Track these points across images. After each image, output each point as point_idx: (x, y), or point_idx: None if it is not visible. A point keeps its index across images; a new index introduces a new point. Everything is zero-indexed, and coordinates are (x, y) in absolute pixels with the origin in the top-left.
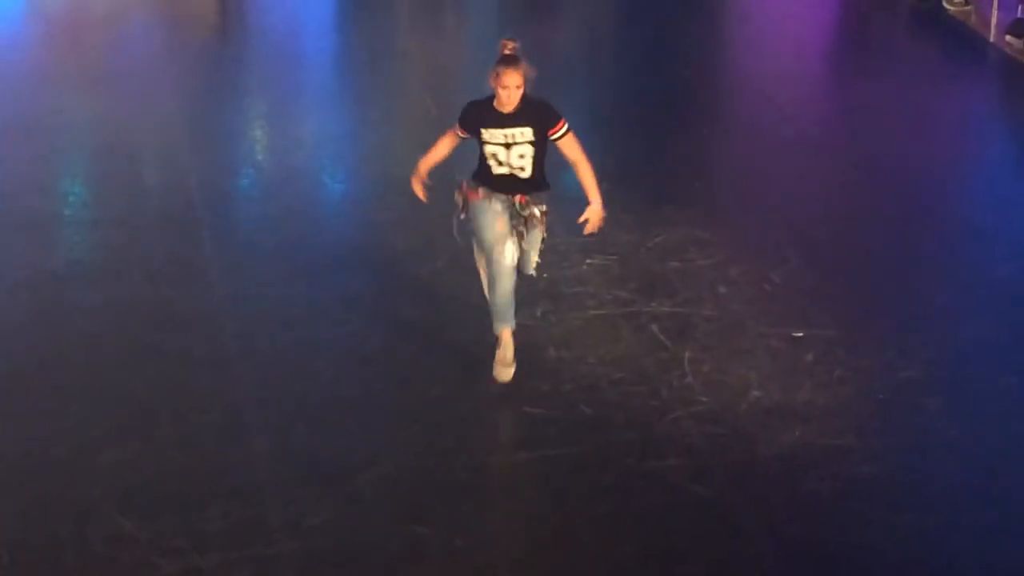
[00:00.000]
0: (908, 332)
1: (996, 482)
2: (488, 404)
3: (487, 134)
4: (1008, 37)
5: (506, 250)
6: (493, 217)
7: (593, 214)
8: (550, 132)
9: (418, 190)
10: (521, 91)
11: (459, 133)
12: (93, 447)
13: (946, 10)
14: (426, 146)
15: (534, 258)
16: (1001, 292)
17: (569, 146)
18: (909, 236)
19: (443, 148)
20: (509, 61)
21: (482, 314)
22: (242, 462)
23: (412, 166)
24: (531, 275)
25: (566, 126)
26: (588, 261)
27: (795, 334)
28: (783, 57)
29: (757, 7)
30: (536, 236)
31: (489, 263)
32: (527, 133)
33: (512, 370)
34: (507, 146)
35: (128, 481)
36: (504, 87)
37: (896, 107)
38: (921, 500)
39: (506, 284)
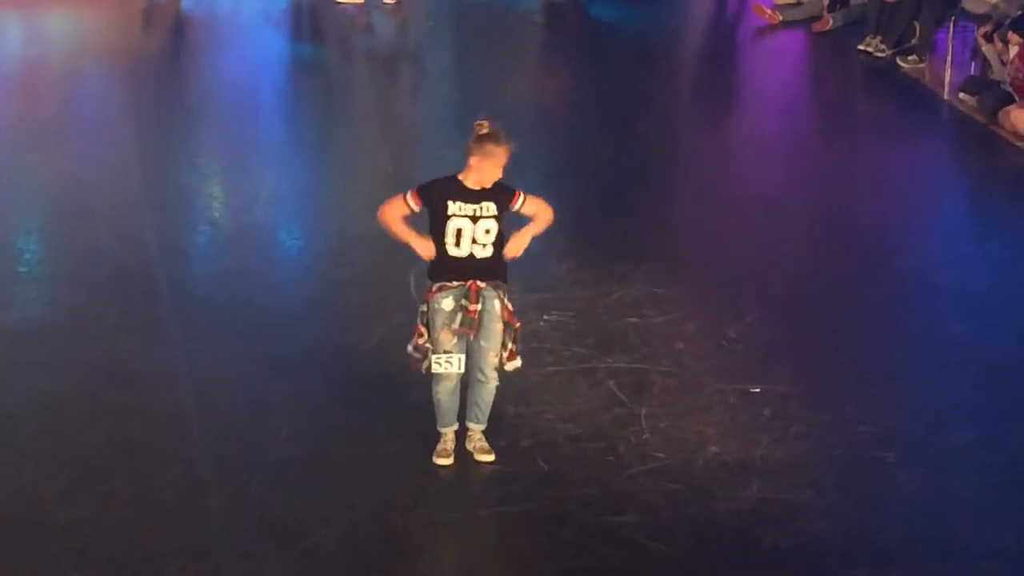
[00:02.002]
0: (864, 387)
1: (954, 537)
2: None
3: (454, 207)
4: (962, 94)
5: (442, 359)
6: (441, 321)
7: (517, 241)
8: (510, 205)
9: (420, 242)
10: (502, 164)
11: (412, 203)
12: (49, 504)
13: (900, 68)
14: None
15: (491, 357)
16: (956, 348)
17: (531, 203)
18: (865, 292)
19: (399, 217)
20: (499, 139)
21: None
22: (199, 518)
23: (369, 222)
24: (492, 374)
25: (522, 194)
26: (545, 317)
27: (752, 389)
28: (739, 114)
29: (714, 65)
30: (494, 330)
31: (430, 366)
32: (491, 208)
33: (450, 461)
34: (474, 219)
35: (84, 538)
36: (497, 165)
37: (851, 164)
38: (878, 555)
39: (447, 388)
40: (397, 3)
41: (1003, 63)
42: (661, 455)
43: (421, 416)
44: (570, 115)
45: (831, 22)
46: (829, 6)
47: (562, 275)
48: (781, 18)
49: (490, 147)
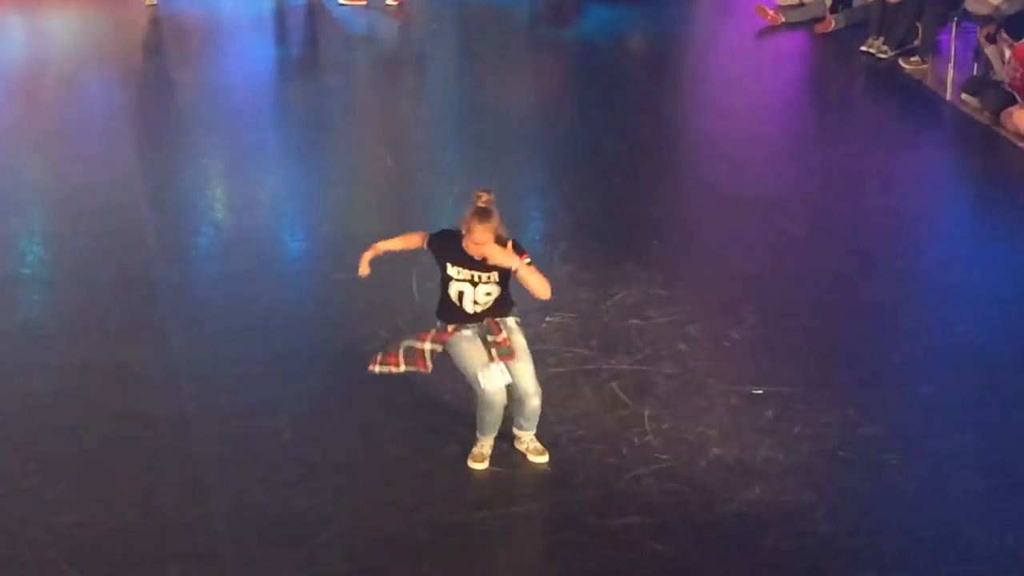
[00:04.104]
0: (867, 389)
1: (956, 538)
2: (448, 463)
3: (453, 270)
4: (964, 95)
5: (490, 375)
6: (469, 347)
7: (503, 254)
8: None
9: (364, 266)
10: (490, 244)
11: (425, 245)
12: (50, 508)
13: (903, 69)
14: (384, 206)
15: (528, 371)
16: (959, 350)
17: (531, 275)
18: (867, 294)
19: (406, 243)
20: (482, 216)
21: (443, 373)
22: (201, 522)
23: (372, 224)
24: (537, 388)
25: (527, 260)
26: (548, 319)
27: (755, 391)
28: (741, 116)
29: (715, 67)
30: (520, 345)
31: (479, 392)
32: (493, 276)
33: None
34: (474, 284)
35: (86, 541)
36: (476, 243)
37: (854, 165)
38: (880, 557)
39: (497, 409)
40: (399, 4)
41: (1005, 64)
42: (664, 457)
43: (424, 419)
44: (572, 116)
45: (833, 23)
46: (831, 7)
47: (564, 277)
48: (783, 19)
49: (471, 224)
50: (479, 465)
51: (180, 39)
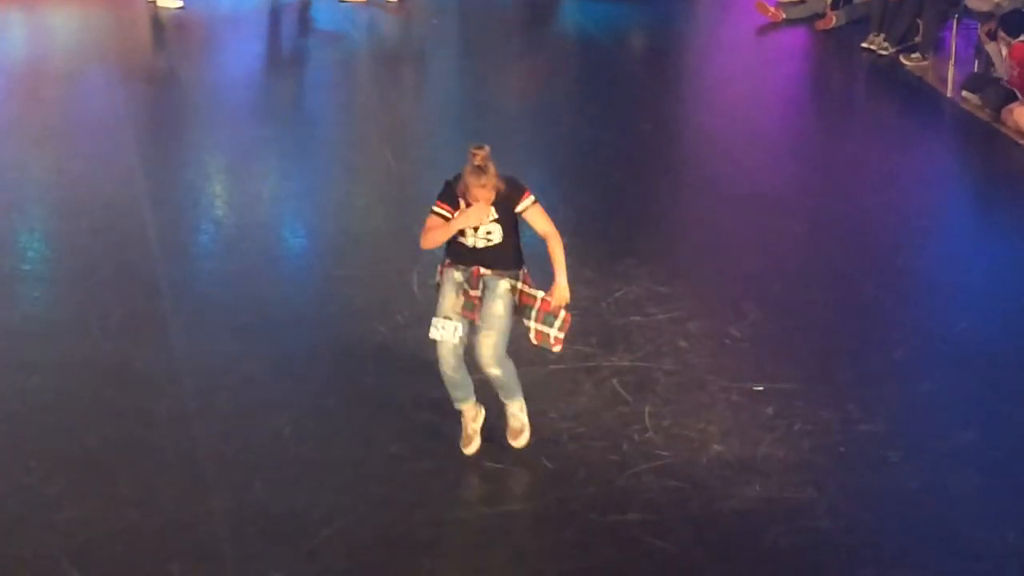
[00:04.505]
0: (868, 386)
1: (956, 536)
2: (448, 460)
3: (463, 205)
4: (965, 92)
5: (437, 325)
6: (447, 290)
7: (558, 292)
8: (515, 207)
9: (466, 213)
10: (489, 198)
11: (444, 212)
12: (51, 504)
13: (903, 66)
14: (385, 203)
15: (487, 342)
16: (959, 347)
17: (535, 218)
18: (868, 290)
19: (442, 234)
20: (479, 173)
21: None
22: (202, 519)
23: (373, 222)
24: (489, 361)
25: (531, 198)
26: None
27: (755, 388)
28: (742, 113)
29: (716, 64)
30: (493, 311)
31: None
32: (492, 212)
33: (471, 448)
34: (475, 227)
35: (87, 539)
36: (474, 198)
37: (854, 162)
38: (880, 554)
39: (447, 360)
40: (400, 1)
41: (1004, 61)
42: (664, 453)
43: (425, 415)
44: (573, 113)
45: (834, 20)
46: (832, 4)
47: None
48: (784, 16)
49: (471, 181)
50: (467, 449)
51: (181, 36)
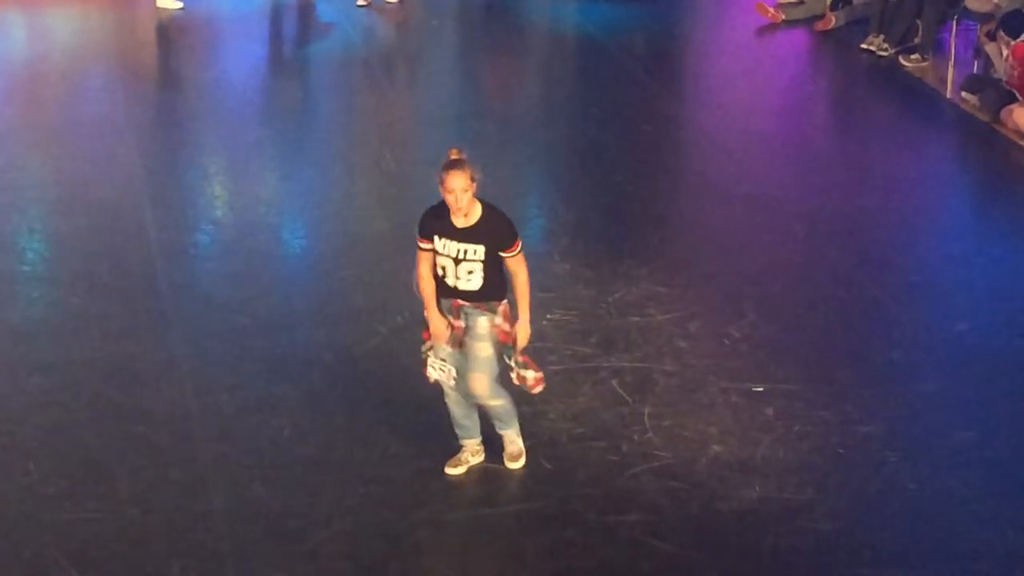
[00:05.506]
0: (867, 387)
1: (956, 536)
2: (448, 460)
3: (440, 243)
4: (964, 93)
5: (437, 364)
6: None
7: (521, 329)
8: (504, 251)
9: (438, 319)
10: (469, 194)
11: (425, 247)
12: (51, 504)
13: (903, 66)
14: (384, 203)
15: (479, 384)
16: (958, 347)
17: (515, 264)
18: (867, 291)
19: (427, 271)
20: (453, 164)
21: None
22: (201, 519)
23: (371, 222)
24: (482, 396)
25: (519, 249)
26: (548, 316)
27: (755, 389)
28: (742, 114)
29: (716, 65)
30: (478, 351)
31: None
32: (479, 252)
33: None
34: (456, 261)
35: (86, 538)
36: (450, 191)
37: (854, 163)
38: (880, 555)
39: (449, 395)
40: (400, 2)
41: (1004, 61)
42: (664, 454)
43: (424, 416)
44: (573, 114)
45: (834, 21)
46: (832, 5)
47: (564, 274)
48: (784, 17)
49: (444, 172)
50: (452, 470)
51: (181, 37)
